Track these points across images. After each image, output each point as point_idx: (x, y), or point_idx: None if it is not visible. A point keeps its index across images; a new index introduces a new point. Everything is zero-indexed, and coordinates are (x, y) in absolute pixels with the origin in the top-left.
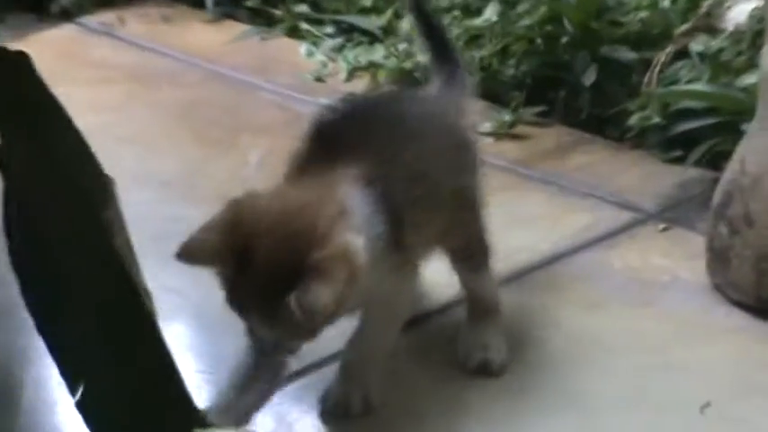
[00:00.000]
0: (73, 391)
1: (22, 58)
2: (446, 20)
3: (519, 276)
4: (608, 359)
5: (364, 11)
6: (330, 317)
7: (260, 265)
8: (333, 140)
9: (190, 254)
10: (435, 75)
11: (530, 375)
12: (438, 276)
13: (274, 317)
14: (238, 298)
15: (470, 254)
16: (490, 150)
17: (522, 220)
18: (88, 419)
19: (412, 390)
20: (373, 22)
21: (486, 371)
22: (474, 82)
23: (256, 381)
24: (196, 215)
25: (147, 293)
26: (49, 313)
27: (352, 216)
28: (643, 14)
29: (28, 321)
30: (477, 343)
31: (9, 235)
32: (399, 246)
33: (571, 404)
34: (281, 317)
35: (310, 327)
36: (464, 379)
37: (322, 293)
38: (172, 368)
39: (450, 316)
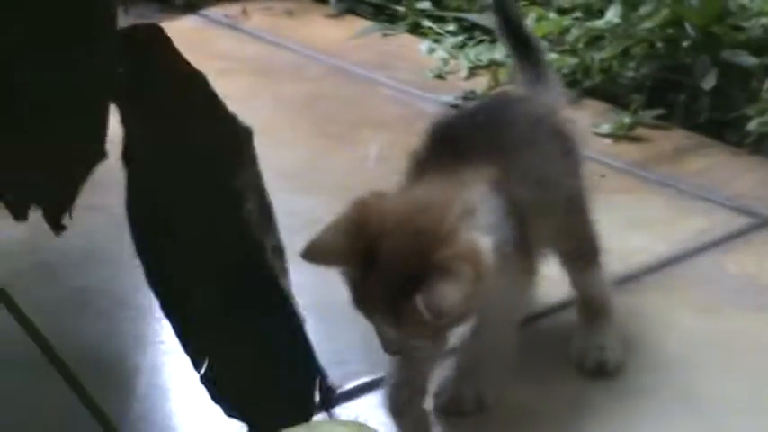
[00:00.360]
0: (197, 367)
1: (155, 30)
2: (567, 21)
3: (635, 278)
4: (724, 362)
5: (486, 9)
6: (457, 318)
7: (385, 264)
8: (457, 142)
9: (315, 254)
10: (523, 76)
11: (645, 376)
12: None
13: (400, 317)
14: (364, 298)
15: (580, 254)
16: (609, 152)
17: (639, 222)
18: (213, 391)
19: (525, 389)
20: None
21: (601, 371)
22: (559, 82)
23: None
24: (316, 207)
25: (281, 251)
26: (175, 292)
27: (479, 216)
28: (765, 20)
29: (143, 310)
30: (592, 343)
31: (132, 217)
32: (524, 248)
33: (688, 406)
34: (407, 317)
35: (436, 327)
36: (578, 379)
37: (448, 292)
38: (300, 332)
39: (559, 317)
